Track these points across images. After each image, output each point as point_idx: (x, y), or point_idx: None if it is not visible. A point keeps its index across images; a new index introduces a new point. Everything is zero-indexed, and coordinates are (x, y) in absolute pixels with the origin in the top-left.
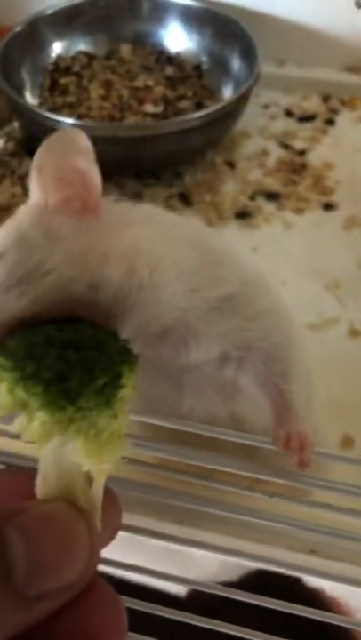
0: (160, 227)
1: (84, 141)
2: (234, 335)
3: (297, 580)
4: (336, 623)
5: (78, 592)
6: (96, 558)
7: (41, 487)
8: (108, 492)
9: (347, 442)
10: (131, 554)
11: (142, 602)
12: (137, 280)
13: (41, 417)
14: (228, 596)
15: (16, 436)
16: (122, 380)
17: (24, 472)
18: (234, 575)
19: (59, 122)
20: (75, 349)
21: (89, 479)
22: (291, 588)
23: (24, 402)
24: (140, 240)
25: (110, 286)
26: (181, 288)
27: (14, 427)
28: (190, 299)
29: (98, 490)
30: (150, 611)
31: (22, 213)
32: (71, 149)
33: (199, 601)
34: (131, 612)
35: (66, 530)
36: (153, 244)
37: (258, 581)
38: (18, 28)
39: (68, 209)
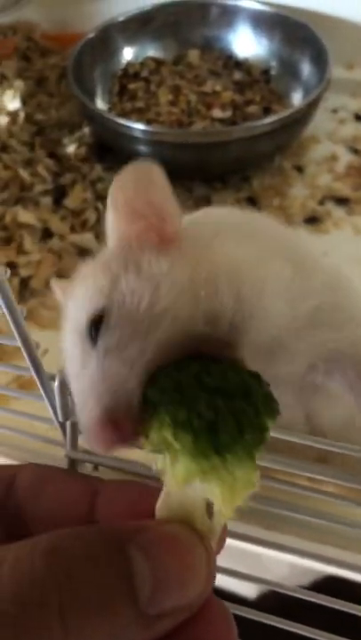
0: (248, 239)
1: (156, 173)
2: (322, 347)
3: None
4: None
5: (195, 610)
6: (212, 579)
7: (161, 508)
8: None
9: None
10: None
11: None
12: (247, 308)
13: (185, 462)
14: (308, 598)
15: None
16: (266, 433)
17: (132, 483)
18: (304, 580)
19: (130, 127)
20: (223, 396)
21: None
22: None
23: (170, 443)
24: (238, 262)
25: (224, 319)
26: (284, 306)
27: (156, 465)
28: (287, 315)
29: (220, 520)
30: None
31: (104, 259)
32: (141, 183)
33: (268, 604)
34: None
35: (187, 552)
36: (252, 265)
37: (329, 587)
38: (90, 35)
39: (145, 243)
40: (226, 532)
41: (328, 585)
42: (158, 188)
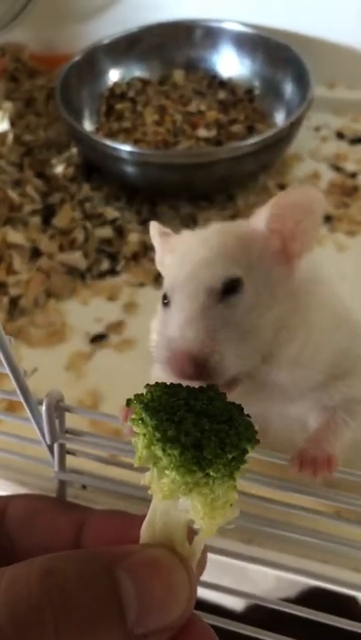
0: (329, 309)
1: (318, 204)
2: (333, 391)
3: (352, 600)
4: None
5: (178, 630)
6: (194, 600)
7: (145, 532)
8: None
9: None
10: None
11: (204, 613)
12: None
13: (172, 476)
14: (291, 611)
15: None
16: (246, 455)
17: (118, 513)
18: (290, 592)
19: (116, 149)
20: (208, 419)
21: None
22: (346, 607)
23: (158, 458)
24: (314, 327)
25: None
26: (322, 370)
27: (144, 480)
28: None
29: (199, 544)
30: (211, 622)
31: (240, 233)
32: (305, 203)
33: (255, 616)
34: None
35: (169, 574)
36: (322, 330)
37: (314, 599)
38: (77, 57)
39: (270, 245)
40: (206, 556)
41: (314, 596)
42: (313, 215)
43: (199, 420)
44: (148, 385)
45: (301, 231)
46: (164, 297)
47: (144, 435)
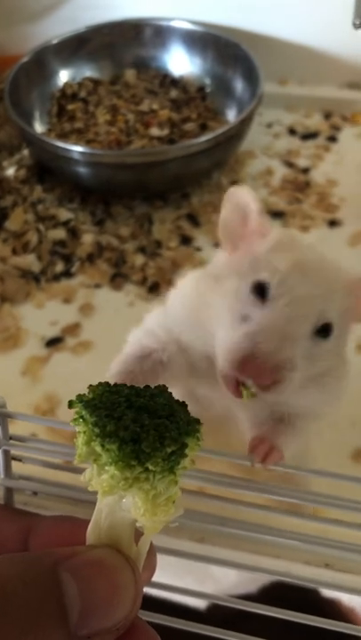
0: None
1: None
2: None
3: (314, 592)
4: (354, 634)
5: (122, 632)
6: (139, 600)
7: (91, 534)
8: None
9: (359, 455)
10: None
11: (163, 615)
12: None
13: (111, 471)
14: (245, 608)
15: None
16: (186, 449)
17: (68, 518)
18: (252, 587)
19: (68, 150)
20: (149, 414)
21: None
22: (309, 599)
23: (97, 455)
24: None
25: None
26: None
27: (83, 477)
28: None
29: (145, 543)
30: (169, 624)
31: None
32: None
33: (219, 614)
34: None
35: (114, 574)
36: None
37: (276, 592)
38: (25, 59)
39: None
40: (155, 558)
41: (277, 589)
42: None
43: (139, 415)
44: (90, 385)
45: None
46: (262, 286)
47: (84, 432)
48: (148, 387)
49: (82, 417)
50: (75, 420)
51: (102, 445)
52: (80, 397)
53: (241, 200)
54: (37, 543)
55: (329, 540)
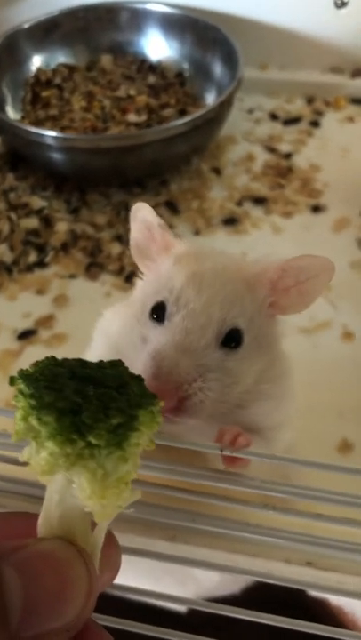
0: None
1: (328, 274)
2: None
3: (300, 590)
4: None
5: (73, 635)
6: (94, 599)
7: (42, 525)
8: (108, 535)
9: (345, 446)
10: (130, 569)
11: (140, 624)
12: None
13: (50, 448)
14: (224, 613)
15: (23, 464)
16: (137, 422)
17: (21, 514)
18: (235, 588)
19: (41, 135)
20: (95, 385)
21: (92, 523)
22: (295, 598)
23: (36, 431)
24: (287, 383)
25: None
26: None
27: (22, 455)
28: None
29: (99, 533)
30: (146, 632)
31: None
32: (314, 266)
33: (202, 614)
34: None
35: (63, 567)
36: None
37: (260, 593)
38: None
39: (268, 297)
40: (119, 558)
41: (262, 588)
42: (315, 278)
43: (83, 386)
44: (36, 361)
45: (300, 291)
46: (161, 306)
47: (22, 407)
48: (101, 361)
49: (21, 392)
50: (15, 397)
51: (39, 419)
52: (21, 372)
53: (145, 217)
54: None
55: (311, 536)
